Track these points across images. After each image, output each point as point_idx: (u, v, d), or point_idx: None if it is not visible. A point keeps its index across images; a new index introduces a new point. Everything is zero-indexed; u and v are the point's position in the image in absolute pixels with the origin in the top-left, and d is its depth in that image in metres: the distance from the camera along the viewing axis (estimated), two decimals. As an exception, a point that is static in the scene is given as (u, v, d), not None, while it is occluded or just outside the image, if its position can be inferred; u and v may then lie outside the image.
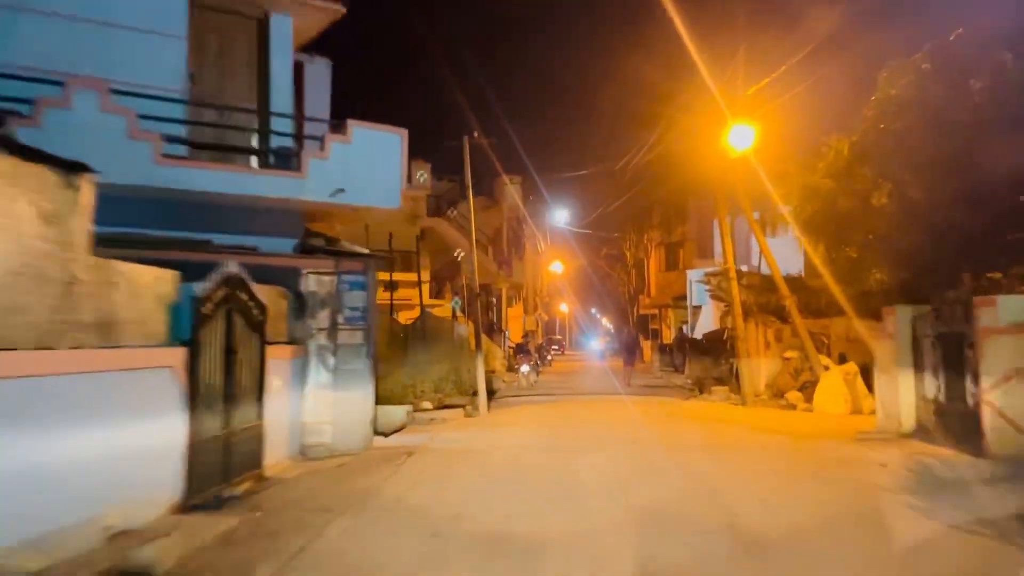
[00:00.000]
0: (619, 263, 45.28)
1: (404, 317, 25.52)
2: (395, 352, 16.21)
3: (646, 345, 46.82)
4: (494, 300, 37.08)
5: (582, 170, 29.09)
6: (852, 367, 17.97)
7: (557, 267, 44.92)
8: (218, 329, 7.46)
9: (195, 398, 6.97)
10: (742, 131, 17.67)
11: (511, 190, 30.90)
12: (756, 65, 16.22)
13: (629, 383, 23.88)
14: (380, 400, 13.83)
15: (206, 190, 9.20)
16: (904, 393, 10.77)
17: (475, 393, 18.46)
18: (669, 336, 40.96)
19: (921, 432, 10.36)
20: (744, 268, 24.09)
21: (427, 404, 14.79)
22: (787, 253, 22.47)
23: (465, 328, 28.53)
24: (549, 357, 39.84)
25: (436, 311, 31.92)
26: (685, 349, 27.30)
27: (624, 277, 45.34)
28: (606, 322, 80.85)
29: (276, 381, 8.91)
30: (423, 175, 32.64)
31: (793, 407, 17.81)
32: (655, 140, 21.73)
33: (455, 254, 33.90)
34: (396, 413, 13.05)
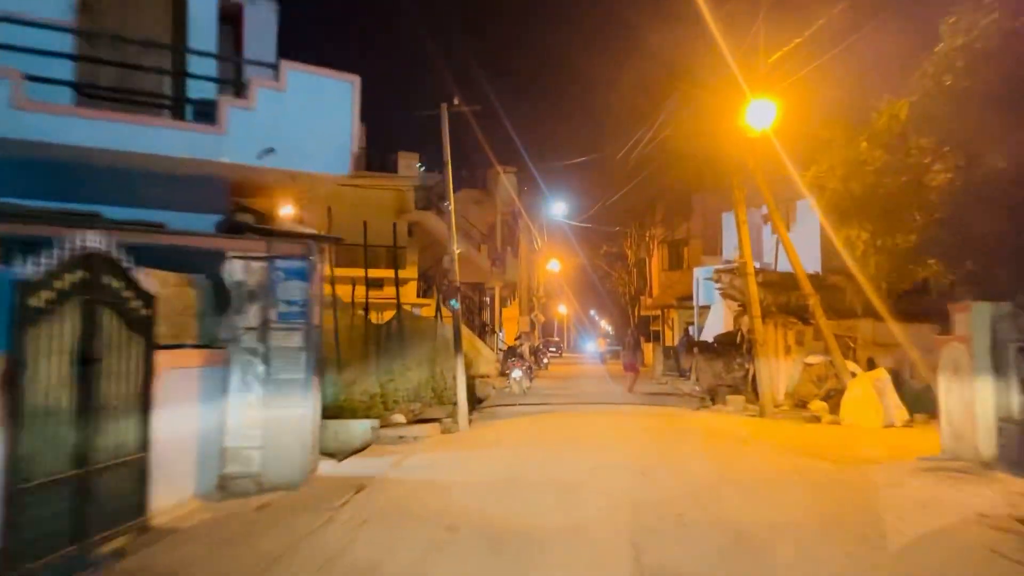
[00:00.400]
0: (620, 262, 43.13)
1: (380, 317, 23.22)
2: (364, 356, 14.05)
3: (647, 348, 44.70)
4: (488, 300, 34.94)
5: (582, 157, 26.94)
6: (882, 373, 15.88)
7: (554, 265, 42.76)
8: (66, 329, 5.29)
9: (19, 428, 4.82)
10: (762, 107, 15.56)
11: (505, 181, 28.81)
12: (780, 27, 14.10)
13: (632, 389, 21.72)
14: (341, 413, 11.70)
15: (90, 146, 7.04)
16: (982, 410, 8.61)
17: (458, 403, 16.33)
18: (672, 338, 38.87)
19: (1007, 460, 8.20)
20: (757, 265, 21.99)
21: (399, 418, 12.63)
22: (802, 249, 20.45)
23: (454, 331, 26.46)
24: (546, 360, 37.69)
25: (426, 311, 29.78)
26: (692, 353, 25.14)
27: (625, 277, 43.18)
28: (605, 324, 78.70)
29: (176, 397, 6.75)
30: (419, 167, 30.56)
31: (817, 419, 15.71)
32: (662, 122, 19.61)
33: (448, 253, 31.91)
34: (357, 430, 10.88)
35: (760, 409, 15.87)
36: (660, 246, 39.13)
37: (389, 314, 27.09)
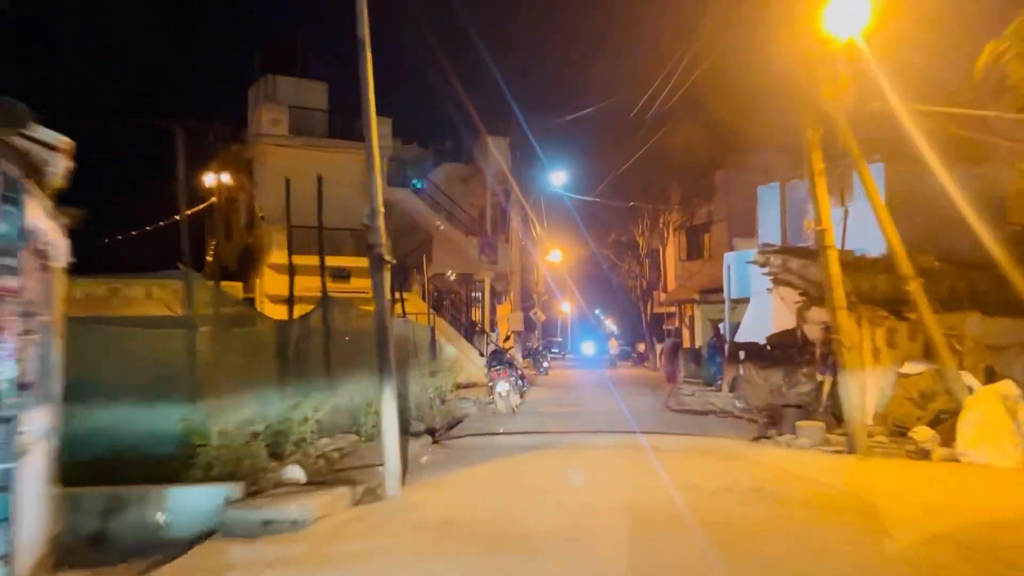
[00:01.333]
0: (630, 252, 38.12)
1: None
2: (255, 371, 9.11)
3: (660, 350, 39.80)
4: (478, 296, 30.07)
5: (589, 108, 21.98)
6: (1010, 387, 11.06)
7: (555, 256, 37.80)
8: None
9: None
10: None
11: (496, 153, 24.00)
12: None
13: (668, 405, 16.92)
14: (181, 469, 6.88)
15: None
16: None
17: (417, 433, 11.44)
18: (692, 339, 33.92)
19: None
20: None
21: (293, 472, 7.68)
22: (860, 231, 15.74)
23: (427, 331, 21.56)
24: (546, 365, 32.77)
25: (409, 307, 24.92)
26: (725, 356, 20.27)
27: (636, 269, 38.19)
28: (610, 324, 73.52)
29: None
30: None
31: (926, 454, 10.87)
32: (697, 52, 14.72)
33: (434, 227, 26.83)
34: (190, 503, 6.02)
35: (849, 442, 10.91)
36: (676, 233, 34.14)
37: (368, 310, 22.26)
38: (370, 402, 11.44)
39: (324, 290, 11.96)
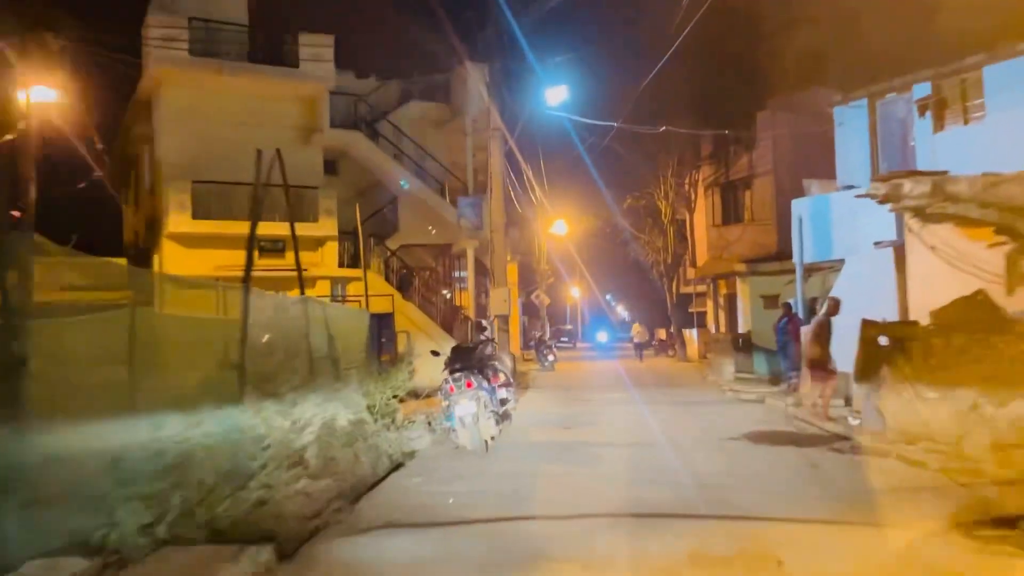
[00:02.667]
0: (649, 221, 31.74)
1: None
2: None
3: (688, 337, 33.49)
4: (459, 274, 23.86)
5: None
6: None
7: (560, 228, 31.47)
8: None
9: None
10: None
11: (480, 86, 17.73)
12: None
13: (827, 413, 10.74)
14: None
15: None
16: None
17: (248, 540, 5.20)
18: (727, 323, 27.72)
19: None
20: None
21: None
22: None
23: (384, 322, 15.36)
24: (552, 358, 26.59)
25: (355, 288, 18.85)
26: (797, 346, 14.07)
27: (658, 241, 31.82)
28: (621, 310, 66.81)
29: None
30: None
31: None
32: None
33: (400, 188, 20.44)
34: None
35: None
36: (708, 192, 27.73)
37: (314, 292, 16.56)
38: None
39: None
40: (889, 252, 11.45)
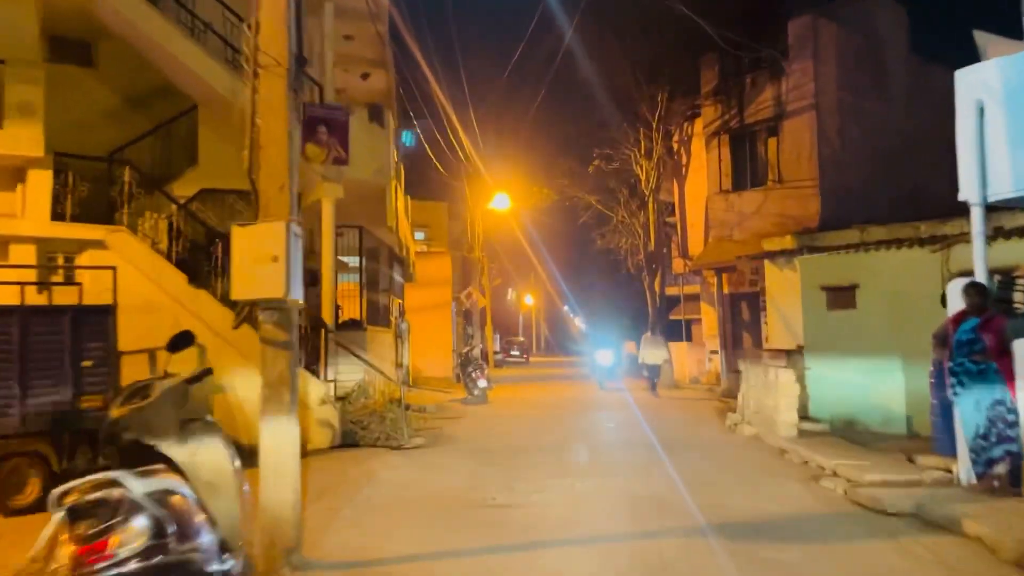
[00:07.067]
0: (624, 193, 23.12)
1: None
2: None
3: (680, 349, 24.77)
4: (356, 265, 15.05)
5: None
6: None
7: (502, 202, 22.74)
8: None
9: None
10: None
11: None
12: None
13: None
14: None
15: None
16: None
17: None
18: (726, 337, 19.12)
19: None
20: None
21: None
22: None
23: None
24: (484, 384, 17.94)
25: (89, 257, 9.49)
26: (1007, 374, 5.62)
27: (636, 222, 23.22)
28: (579, 322, 57.91)
29: None
30: None
31: None
32: None
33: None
34: None
35: None
36: (710, 145, 19.25)
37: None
38: None
39: None
40: None
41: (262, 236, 4.76)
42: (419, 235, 27.04)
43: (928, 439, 10.50)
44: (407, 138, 21.00)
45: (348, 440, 10.83)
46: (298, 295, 4.85)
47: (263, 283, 4.70)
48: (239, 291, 4.80)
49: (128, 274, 9.67)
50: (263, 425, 4.84)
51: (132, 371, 8.70)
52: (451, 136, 18.07)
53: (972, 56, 8.06)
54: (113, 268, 8.46)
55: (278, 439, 4.83)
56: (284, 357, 4.93)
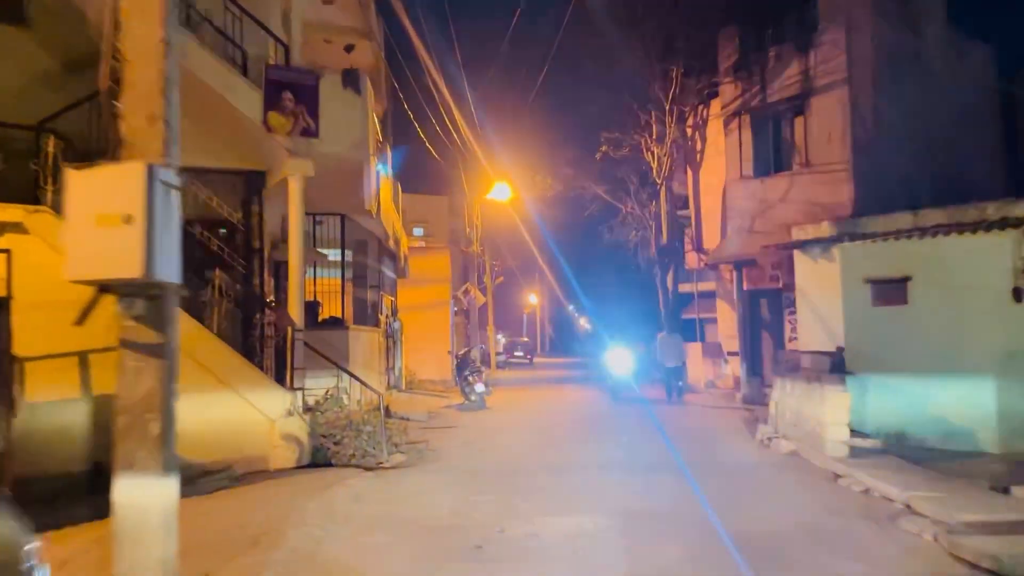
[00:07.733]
0: (634, 182, 21.50)
1: None
2: None
3: (694, 352, 23.07)
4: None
5: None
6: None
7: (502, 191, 21.12)
8: None
9: None
10: None
11: None
12: None
13: None
14: None
15: None
16: None
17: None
18: (740, 337, 17.43)
19: None
20: None
21: None
22: None
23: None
24: (482, 388, 16.38)
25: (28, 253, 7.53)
26: None
27: (647, 212, 21.60)
28: (585, 322, 56.01)
29: None
30: None
31: None
32: None
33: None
34: None
35: None
36: (729, 128, 17.60)
37: None
38: None
39: None
40: None
41: (110, 184, 3.16)
42: (418, 231, 25.49)
43: (1003, 458, 8.88)
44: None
45: (318, 458, 9.22)
46: (169, 273, 3.25)
47: (111, 256, 3.11)
48: (76, 267, 3.20)
49: (52, 263, 8.11)
50: (117, 470, 3.23)
51: (41, 382, 7.15)
52: (446, 118, 16.45)
53: (1011, 33, 6.50)
54: (7, 251, 6.86)
55: (140, 491, 3.22)
56: (154, 368, 3.33)
